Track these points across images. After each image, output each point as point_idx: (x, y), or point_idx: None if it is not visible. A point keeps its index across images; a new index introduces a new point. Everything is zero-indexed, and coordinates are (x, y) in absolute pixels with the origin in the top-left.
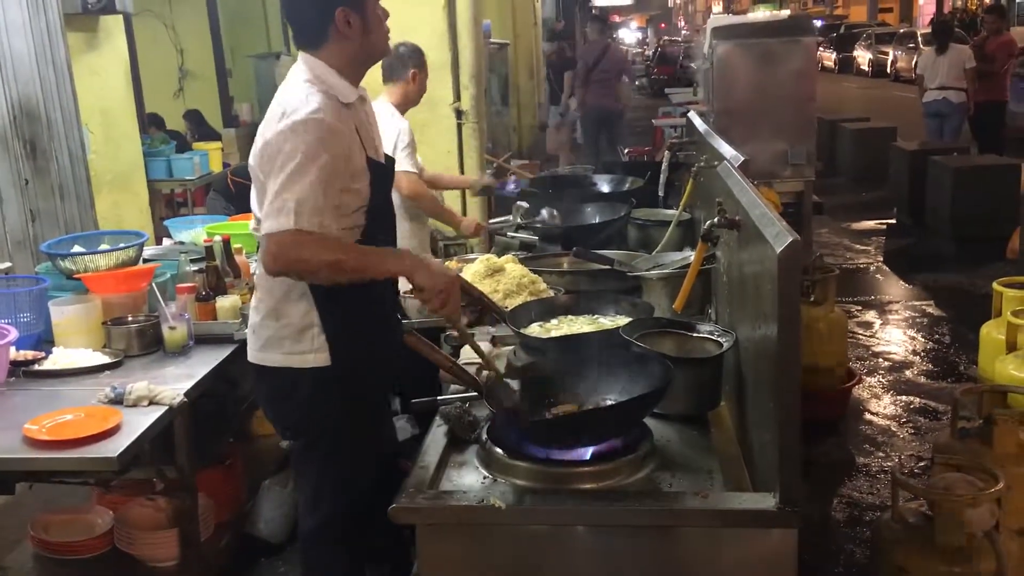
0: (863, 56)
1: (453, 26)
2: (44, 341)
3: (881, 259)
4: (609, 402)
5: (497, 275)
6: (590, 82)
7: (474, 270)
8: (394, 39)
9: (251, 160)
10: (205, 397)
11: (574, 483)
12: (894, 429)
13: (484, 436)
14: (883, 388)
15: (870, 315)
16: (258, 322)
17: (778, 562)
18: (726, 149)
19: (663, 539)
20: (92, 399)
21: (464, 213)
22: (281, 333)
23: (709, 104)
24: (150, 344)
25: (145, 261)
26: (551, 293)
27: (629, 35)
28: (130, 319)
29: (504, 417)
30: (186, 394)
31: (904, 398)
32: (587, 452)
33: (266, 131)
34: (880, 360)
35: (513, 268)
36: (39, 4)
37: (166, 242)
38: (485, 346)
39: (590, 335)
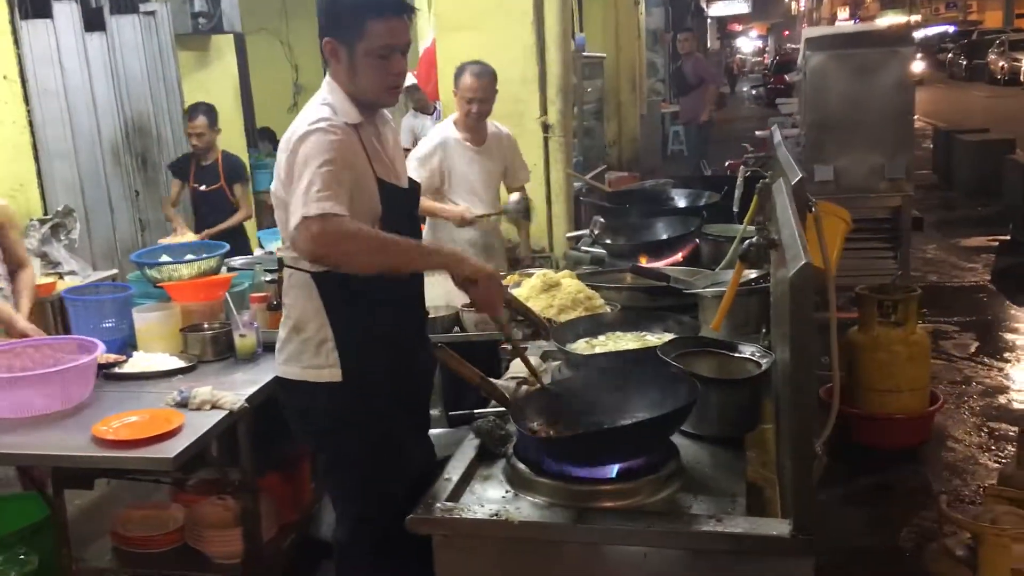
0: (996, 63)
1: (542, 41)
2: (128, 345)
3: (988, 278)
4: (633, 420)
5: (553, 290)
6: (689, 92)
7: (531, 284)
8: (484, 54)
9: (272, 186)
10: (271, 403)
11: (593, 501)
12: (979, 457)
13: (510, 451)
14: (972, 414)
15: (967, 336)
16: (284, 336)
17: None
18: (789, 165)
19: (676, 562)
20: (162, 402)
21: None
22: (301, 347)
23: (802, 116)
24: (223, 351)
25: (230, 270)
26: (607, 309)
27: (747, 44)
28: (206, 326)
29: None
30: (249, 400)
31: (993, 424)
32: (611, 470)
33: (281, 154)
34: (972, 384)
35: (569, 283)
36: (152, 25)
37: (257, 252)
38: (535, 360)
39: (627, 352)
